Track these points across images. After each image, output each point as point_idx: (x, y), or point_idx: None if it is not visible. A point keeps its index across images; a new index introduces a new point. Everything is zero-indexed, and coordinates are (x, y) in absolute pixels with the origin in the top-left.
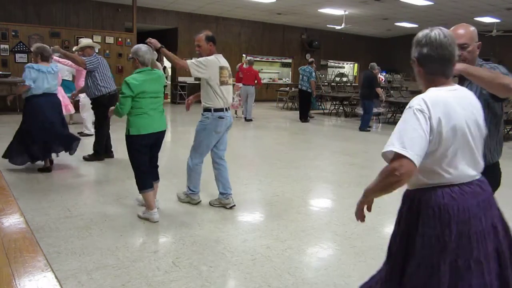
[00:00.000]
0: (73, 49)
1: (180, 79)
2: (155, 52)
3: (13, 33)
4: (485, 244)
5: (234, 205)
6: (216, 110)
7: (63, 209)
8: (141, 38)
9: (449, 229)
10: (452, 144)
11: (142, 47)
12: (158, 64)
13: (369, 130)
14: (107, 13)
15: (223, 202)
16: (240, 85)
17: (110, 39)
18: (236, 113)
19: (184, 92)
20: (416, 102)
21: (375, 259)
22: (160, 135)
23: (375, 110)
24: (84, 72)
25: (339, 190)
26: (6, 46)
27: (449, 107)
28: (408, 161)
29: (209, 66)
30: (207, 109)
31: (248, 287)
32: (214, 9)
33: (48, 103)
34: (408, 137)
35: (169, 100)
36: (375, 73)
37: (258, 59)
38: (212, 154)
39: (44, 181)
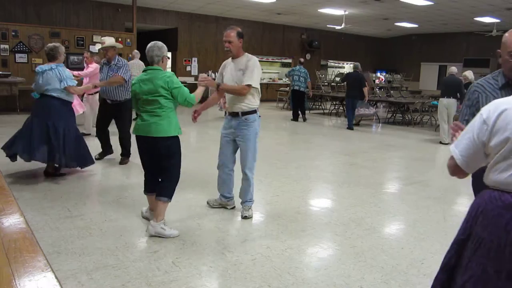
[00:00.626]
0: (97, 49)
1: (180, 79)
2: None
3: (13, 33)
4: None
5: (234, 206)
6: (257, 110)
7: (63, 209)
8: (141, 38)
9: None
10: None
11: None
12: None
13: (352, 129)
14: (107, 13)
15: (224, 203)
16: None
17: (110, 39)
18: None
19: None
20: (485, 107)
21: (375, 259)
22: (151, 141)
23: (366, 111)
24: (98, 75)
25: (339, 190)
26: (6, 46)
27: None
28: (452, 158)
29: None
30: (252, 111)
31: (248, 287)
32: (214, 9)
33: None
34: (461, 137)
35: None
36: (362, 73)
37: (258, 59)
38: (231, 159)
39: (44, 181)
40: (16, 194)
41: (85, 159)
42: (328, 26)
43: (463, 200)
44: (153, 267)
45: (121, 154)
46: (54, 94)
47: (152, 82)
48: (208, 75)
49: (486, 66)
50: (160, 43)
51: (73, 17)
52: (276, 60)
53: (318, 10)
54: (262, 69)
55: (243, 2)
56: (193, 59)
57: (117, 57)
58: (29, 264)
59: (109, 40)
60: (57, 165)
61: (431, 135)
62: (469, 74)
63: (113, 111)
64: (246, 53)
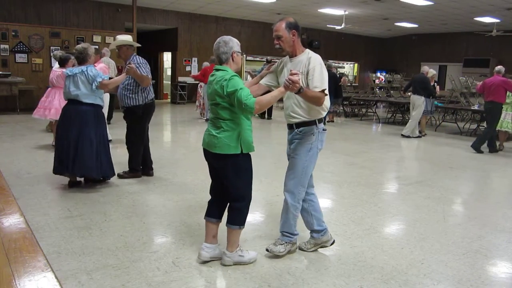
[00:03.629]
0: (109, 48)
1: (180, 79)
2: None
3: (13, 33)
4: None
5: (334, 241)
6: (320, 121)
7: (63, 209)
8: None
9: None
10: None
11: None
12: None
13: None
14: (107, 13)
15: (321, 241)
16: (202, 84)
17: (110, 39)
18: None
19: (184, 92)
20: None
21: (375, 259)
22: (209, 155)
23: (334, 108)
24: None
25: (339, 190)
26: (6, 46)
27: None
28: None
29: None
30: (310, 123)
31: (248, 287)
32: (214, 9)
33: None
34: None
35: (169, 100)
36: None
37: (258, 59)
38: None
39: (44, 181)
40: (16, 194)
41: (104, 170)
42: (328, 26)
43: (463, 200)
44: (153, 267)
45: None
46: (85, 100)
47: (211, 86)
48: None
49: (486, 66)
50: (227, 38)
51: (73, 17)
52: (276, 60)
53: (318, 10)
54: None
55: (243, 2)
56: (193, 59)
57: (132, 55)
58: (29, 264)
59: (121, 37)
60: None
61: (431, 135)
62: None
63: (124, 118)
64: (307, 49)
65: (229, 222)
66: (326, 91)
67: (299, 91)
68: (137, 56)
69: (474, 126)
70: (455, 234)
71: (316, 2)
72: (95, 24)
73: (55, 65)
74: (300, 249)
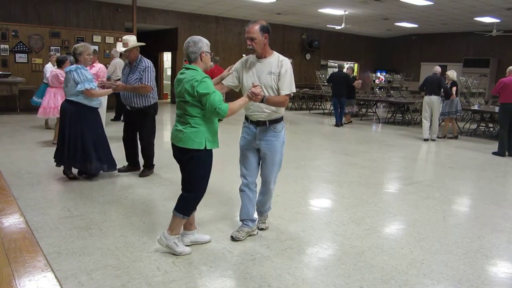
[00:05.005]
0: (119, 50)
1: None
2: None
3: (13, 33)
4: None
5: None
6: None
7: (63, 209)
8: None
9: None
10: None
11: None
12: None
13: (338, 126)
14: (107, 13)
15: (252, 230)
16: None
17: (110, 39)
18: None
19: None
20: None
21: (375, 259)
22: (175, 149)
23: (349, 109)
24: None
25: (339, 190)
26: (6, 46)
27: None
28: None
29: None
30: (281, 119)
31: (248, 287)
32: (214, 9)
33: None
34: None
35: (169, 100)
36: (348, 72)
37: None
38: (256, 174)
39: (44, 181)
40: (16, 194)
41: (98, 166)
42: (328, 26)
43: (463, 200)
44: (153, 267)
45: (143, 165)
46: (71, 98)
47: (181, 84)
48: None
49: (486, 66)
50: (196, 38)
51: (73, 17)
52: None
53: (318, 10)
54: None
55: (243, 2)
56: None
57: (139, 57)
58: (29, 264)
59: (132, 40)
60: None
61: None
62: (451, 73)
63: (134, 118)
64: (275, 52)
65: (175, 209)
66: (291, 94)
67: (262, 101)
68: (144, 59)
69: (474, 126)
70: (455, 234)
71: (316, 2)
72: (95, 24)
73: (48, 64)
74: (233, 238)
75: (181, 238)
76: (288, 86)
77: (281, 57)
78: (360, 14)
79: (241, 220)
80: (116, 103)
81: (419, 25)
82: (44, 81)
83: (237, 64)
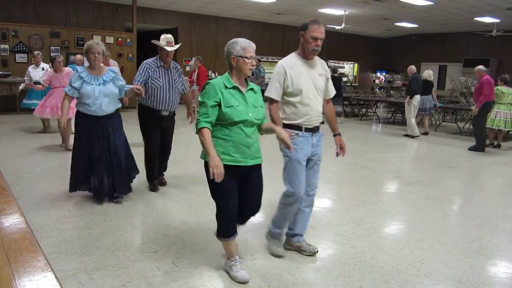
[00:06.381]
0: (169, 50)
1: None
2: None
3: (13, 33)
4: None
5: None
6: None
7: (63, 209)
8: (141, 38)
9: None
10: None
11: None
12: None
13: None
14: (107, 13)
15: (302, 245)
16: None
17: (110, 39)
18: None
19: None
20: None
21: (375, 259)
22: None
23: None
24: None
25: (339, 190)
26: (6, 46)
27: None
28: None
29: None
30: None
31: (248, 287)
32: (214, 9)
33: None
34: None
35: None
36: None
37: (258, 59)
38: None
39: (44, 181)
40: (16, 194)
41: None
42: (328, 26)
43: (463, 200)
44: (153, 267)
45: (162, 172)
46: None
47: None
48: (208, 75)
49: (486, 66)
50: (231, 40)
51: (73, 17)
52: (276, 60)
53: (318, 10)
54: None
55: (243, 2)
56: (193, 59)
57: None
58: (29, 264)
59: (171, 39)
60: None
61: (431, 134)
62: (425, 73)
63: (168, 124)
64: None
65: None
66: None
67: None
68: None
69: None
70: (455, 234)
71: (316, 2)
72: (95, 24)
73: (32, 65)
74: (275, 254)
75: (236, 263)
76: (333, 90)
77: (319, 58)
78: (360, 14)
79: (301, 235)
80: None
81: (419, 25)
82: (32, 81)
83: (281, 71)
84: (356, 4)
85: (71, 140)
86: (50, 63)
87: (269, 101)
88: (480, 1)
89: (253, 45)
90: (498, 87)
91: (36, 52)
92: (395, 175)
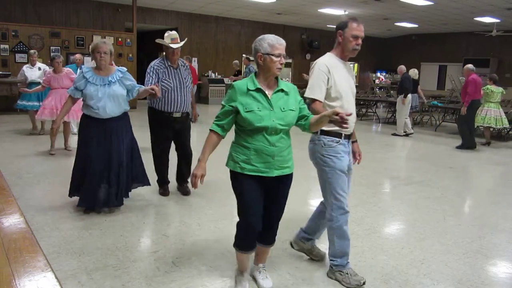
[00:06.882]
0: (174, 47)
1: None
2: None
3: (13, 33)
4: None
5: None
6: None
7: (63, 209)
8: (141, 38)
9: None
10: None
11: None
12: None
13: None
14: (107, 13)
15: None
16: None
17: (110, 39)
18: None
19: None
20: None
21: (375, 259)
22: None
23: None
24: None
25: None
26: (6, 46)
27: None
28: None
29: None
30: None
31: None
32: (214, 9)
33: None
34: None
35: None
36: None
37: None
38: None
39: (44, 181)
40: (16, 194)
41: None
42: (328, 26)
43: (463, 200)
44: (153, 267)
45: (184, 177)
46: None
47: None
48: (207, 75)
49: (486, 66)
50: (259, 37)
51: (73, 17)
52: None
53: (318, 10)
54: None
55: (243, 2)
56: (193, 59)
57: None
58: (29, 264)
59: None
60: None
61: (431, 135)
62: (411, 72)
63: (182, 126)
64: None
65: None
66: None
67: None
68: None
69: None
70: (455, 234)
71: (316, 2)
72: (95, 24)
73: (28, 65)
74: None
75: (242, 282)
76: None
77: None
78: (360, 14)
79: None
80: None
81: (419, 25)
82: (28, 81)
83: (324, 70)
84: (356, 4)
85: (74, 142)
86: (50, 63)
87: (311, 101)
88: (480, 1)
89: (283, 42)
90: (488, 86)
91: (32, 51)
92: (395, 175)
